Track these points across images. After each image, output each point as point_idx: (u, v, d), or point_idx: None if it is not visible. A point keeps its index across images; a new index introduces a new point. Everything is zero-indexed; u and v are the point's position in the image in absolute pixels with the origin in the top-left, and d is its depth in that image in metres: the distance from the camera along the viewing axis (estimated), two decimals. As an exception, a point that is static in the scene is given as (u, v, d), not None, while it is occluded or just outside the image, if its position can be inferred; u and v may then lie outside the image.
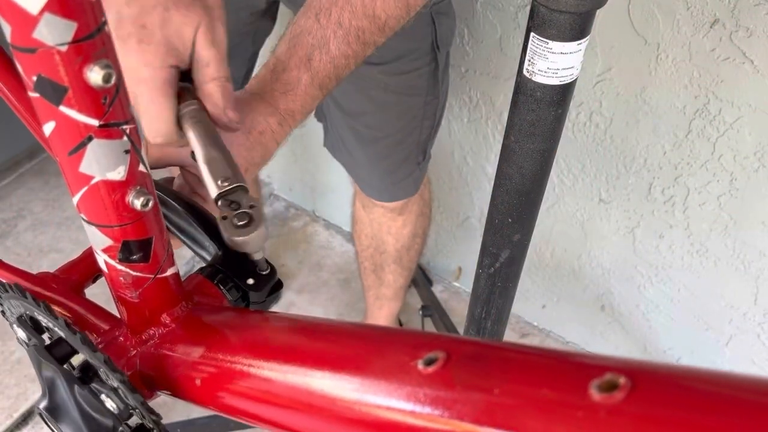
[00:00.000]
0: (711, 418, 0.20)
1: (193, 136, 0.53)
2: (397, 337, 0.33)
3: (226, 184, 0.49)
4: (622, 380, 0.22)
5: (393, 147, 1.09)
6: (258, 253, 0.49)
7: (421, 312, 1.57)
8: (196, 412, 1.36)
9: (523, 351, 0.28)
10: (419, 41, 0.96)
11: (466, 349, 0.28)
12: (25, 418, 1.47)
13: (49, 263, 1.73)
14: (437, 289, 1.71)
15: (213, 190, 0.50)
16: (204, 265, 0.51)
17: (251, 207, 0.48)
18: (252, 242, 0.47)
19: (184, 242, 0.55)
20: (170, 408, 1.42)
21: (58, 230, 1.82)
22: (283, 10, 1.04)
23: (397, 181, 1.15)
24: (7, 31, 0.30)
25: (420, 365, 0.28)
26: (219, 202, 0.49)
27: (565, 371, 0.24)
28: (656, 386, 0.22)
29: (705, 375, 0.22)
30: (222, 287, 0.48)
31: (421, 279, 1.68)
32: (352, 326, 0.36)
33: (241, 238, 0.47)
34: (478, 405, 0.25)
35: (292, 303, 1.70)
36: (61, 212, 1.87)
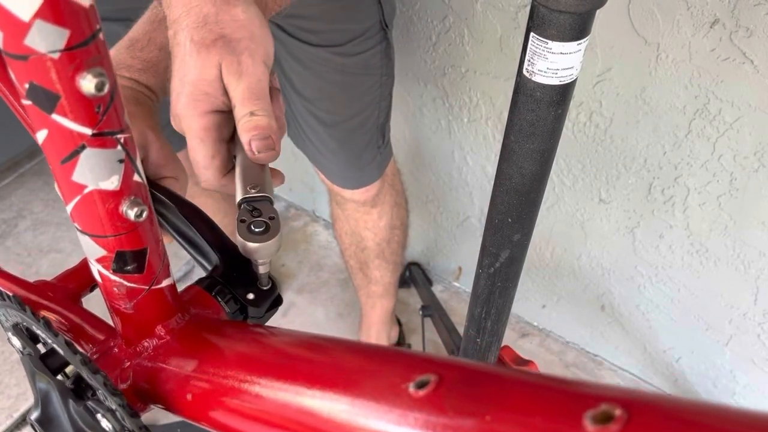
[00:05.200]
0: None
1: (238, 146, 0.54)
2: (390, 358, 0.33)
3: (254, 191, 0.50)
4: (617, 412, 0.22)
5: (354, 130, 1.10)
6: (264, 266, 0.49)
7: (421, 312, 1.57)
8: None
9: (518, 376, 0.27)
10: (369, 21, 0.98)
11: (459, 373, 0.28)
12: (25, 418, 1.47)
13: (49, 263, 1.73)
14: (437, 289, 1.70)
15: (240, 193, 0.50)
16: (204, 275, 0.51)
17: (271, 218, 0.48)
18: (263, 251, 0.47)
19: (185, 248, 0.54)
20: (170, 408, 1.42)
21: (58, 230, 1.82)
22: None
23: (361, 167, 1.16)
24: (-1, 37, 0.29)
25: (411, 388, 0.28)
26: (242, 206, 0.49)
27: (560, 400, 0.24)
28: (653, 419, 0.21)
29: (703, 408, 0.21)
30: (220, 299, 0.48)
31: (421, 279, 1.68)
32: (348, 344, 0.36)
33: (253, 244, 0.47)
34: (468, 431, 0.25)
35: (292, 303, 1.70)
36: (61, 212, 1.86)
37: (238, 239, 0.48)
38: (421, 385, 0.28)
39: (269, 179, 0.53)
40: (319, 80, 1.02)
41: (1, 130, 1.80)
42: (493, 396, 0.26)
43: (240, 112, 0.52)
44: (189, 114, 0.52)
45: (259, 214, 0.48)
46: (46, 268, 1.69)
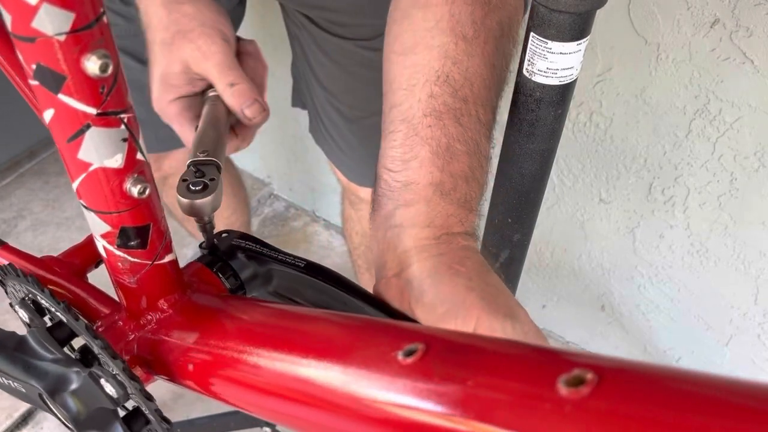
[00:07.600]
0: (674, 415, 0.21)
1: (201, 116, 0.62)
2: (381, 329, 0.34)
3: (202, 156, 0.54)
4: (589, 375, 0.23)
5: (375, 127, 1.09)
6: (210, 224, 0.52)
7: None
8: (196, 412, 1.36)
9: (499, 344, 0.29)
10: None
11: (445, 341, 0.30)
12: (25, 418, 1.46)
13: (51, 262, 1.74)
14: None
15: (190, 157, 0.54)
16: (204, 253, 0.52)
17: (211, 180, 0.51)
18: (198, 208, 0.50)
19: None
20: (170, 408, 1.42)
21: (58, 230, 1.82)
22: None
23: None
24: (8, 20, 0.30)
25: (400, 356, 0.30)
26: (188, 168, 0.53)
27: (536, 365, 0.25)
28: (622, 382, 0.22)
29: (672, 373, 0.22)
30: (221, 275, 0.49)
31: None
32: (340, 316, 0.38)
33: (187, 200, 0.49)
34: (452, 396, 0.26)
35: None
36: (61, 212, 1.87)
37: (178, 198, 0.50)
38: (409, 353, 0.29)
39: (223, 147, 0.58)
40: (345, 74, 1.02)
41: (2, 130, 1.81)
42: (475, 363, 0.27)
43: (220, 86, 0.63)
44: (161, 102, 0.64)
45: (202, 176, 0.51)
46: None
